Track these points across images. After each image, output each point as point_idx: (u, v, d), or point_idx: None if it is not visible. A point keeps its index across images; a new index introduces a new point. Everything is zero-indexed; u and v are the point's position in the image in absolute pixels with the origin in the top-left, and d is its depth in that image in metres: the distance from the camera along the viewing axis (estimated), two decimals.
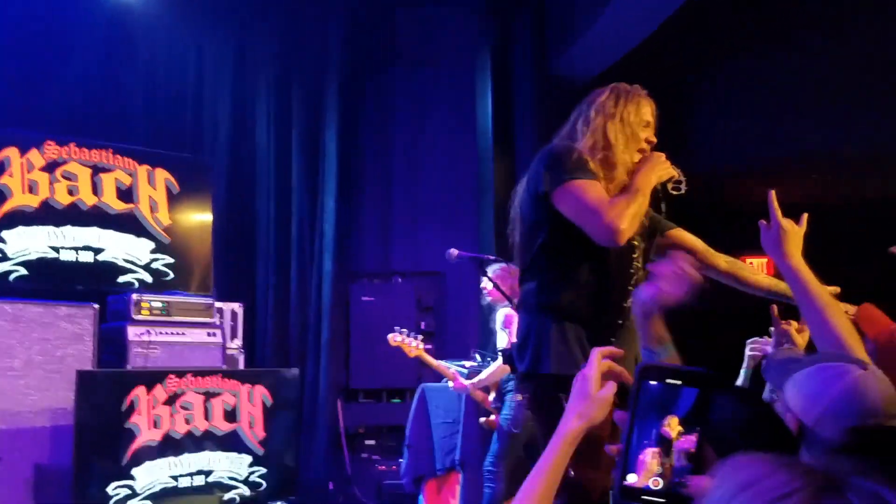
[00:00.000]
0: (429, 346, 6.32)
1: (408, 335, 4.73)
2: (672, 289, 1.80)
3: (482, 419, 4.61)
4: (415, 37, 6.82)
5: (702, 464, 0.98)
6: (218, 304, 5.17)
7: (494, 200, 6.16)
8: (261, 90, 6.37)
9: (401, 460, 5.04)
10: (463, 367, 4.84)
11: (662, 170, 2.37)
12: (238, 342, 5.28)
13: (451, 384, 4.62)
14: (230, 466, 4.53)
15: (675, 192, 2.41)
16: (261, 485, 4.62)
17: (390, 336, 4.74)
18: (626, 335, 2.33)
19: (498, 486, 4.39)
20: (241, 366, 5.23)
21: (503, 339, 4.44)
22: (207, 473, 4.44)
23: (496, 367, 4.42)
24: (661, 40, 6.07)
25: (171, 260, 5.12)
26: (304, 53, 6.47)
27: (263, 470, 4.63)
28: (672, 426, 1.00)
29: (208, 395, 4.49)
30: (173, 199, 5.20)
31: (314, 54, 6.48)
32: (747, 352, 3.26)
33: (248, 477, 4.59)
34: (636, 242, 2.43)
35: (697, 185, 2.60)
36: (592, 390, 1.34)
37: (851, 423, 1.31)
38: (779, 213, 1.93)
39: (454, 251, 4.20)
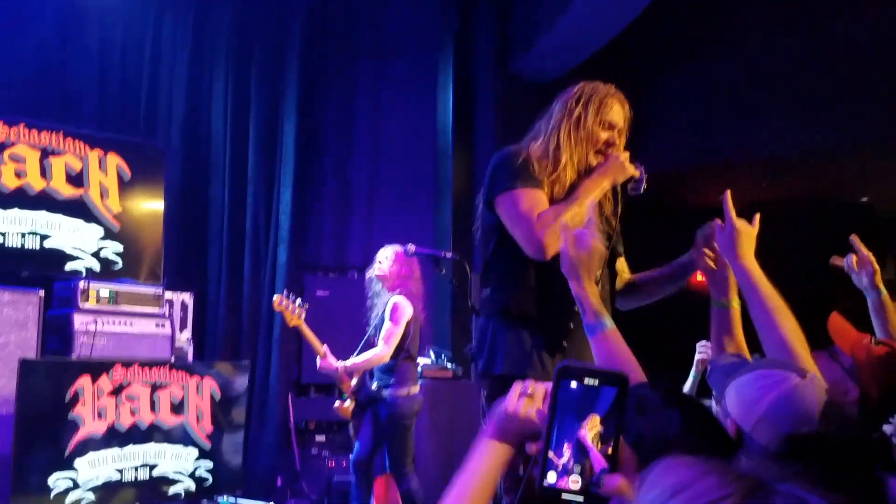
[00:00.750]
0: None
1: (293, 301, 4.54)
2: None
3: (336, 404, 4.52)
4: (377, 30, 6.77)
5: (618, 463, 0.98)
6: (168, 294, 5.07)
7: (453, 197, 6.16)
8: (218, 77, 6.26)
9: (350, 456, 4.99)
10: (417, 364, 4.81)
11: (618, 172, 2.35)
12: (187, 333, 5.19)
13: (318, 361, 4.51)
14: (176, 460, 4.44)
15: (632, 193, 2.39)
16: (207, 479, 4.54)
17: (276, 297, 4.57)
18: (578, 338, 2.34)
19: (411, 484, 4.36)
20: (190, 358, 5.13)
21: (388, 329, 4.36)
22: (152, 467, 4.35)
23: (373, 355, 4.36)
24: (624, 43, 6.12)
25: (120, 247, 5.00)
26: (262, 41, 6.38)
27: (210, 464, 4.55)
28: (591, 426, 1.00)
29: (155, 387, 4.39)
30: (124, 185, 5.07)
31: (273, 43, 6.39)
32: (697, 355, 3.30)
33: (194, 471, 4.50)
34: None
35: (657, 185, 2.62)
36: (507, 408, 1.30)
37: (787, 431, 1.33)
38: (733, 213, 1.93)
39: (412, 246, 4.19)
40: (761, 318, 1.79)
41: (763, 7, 6.63)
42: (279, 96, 6.39)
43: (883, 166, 7.68)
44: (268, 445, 5.86)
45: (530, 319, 2.31)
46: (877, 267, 2.43)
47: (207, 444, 4.55)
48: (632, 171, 2.37)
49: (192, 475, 4.49)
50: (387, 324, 4.36)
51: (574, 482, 1.00)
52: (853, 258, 2.47)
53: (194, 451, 4.51)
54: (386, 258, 4.53)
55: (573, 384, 1.03)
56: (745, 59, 7.08)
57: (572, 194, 2.30)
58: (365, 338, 4.62)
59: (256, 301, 6.16)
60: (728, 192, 1.96)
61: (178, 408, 4.46)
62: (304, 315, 4.54)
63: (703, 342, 3.25)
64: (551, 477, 1.01)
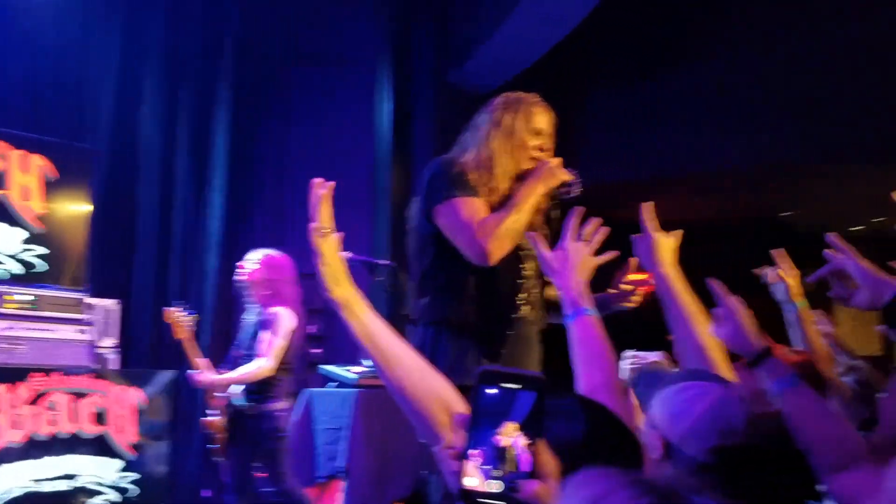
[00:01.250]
0: (317, 350, 6.21)
1: (185, 313, 4.35)
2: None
3: (206, 419, 4.33)
4: (314, 37, 6.72)
5: (537, 469, 0.99)
6: (91, 300, 4.90)
7: (391, 205, 6.14)
8: (149, 77, 6.11)
9: (225, 478, 4.89)
10: (352, 372, 4.76)
11: (551, 178, 2.39)
12: (111, 341, 5.01)
13: (194, 375, 4.28)
14: (97, 471, 4.28)
15: (566, 196, 2.42)
16: (131, 491, 4.39)
17: (167, 310, 4.37)
18: (517, 345, 2.36)
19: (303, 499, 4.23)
20: (114, 366, 4.96)
21: (269, 341, 4.15)
22: (72, 478, 4.18)
23: (256, 368, 4.13)
24: (558, 58, 6.24)
25: (43, 251, 4.81)
26: (195, 44, 6.26)
27: (135, 475, 4.40)
28: (507, 432, 1.01)
29: (76, 396, 4.24)
30: (49, 187, 4.89)
31: (207, 46, 6.28)
32: (626, 365, 3.34)
33: (117, 482, 4.35)
34: (524, 252, 2.44)
35: (587, 199, 2.66)
36: None
37: (713, 443, 1.35)
38: (651, 223, 1.98)
39: (347, 253, 4.11)
40: (679, 327, 1.83)
41: (691, 29, 6.85)
42: (212, 100, 6.27)
43: (803, 183, 8.00)
44: (194, 456, 5.70)
45: (470, 328, 2.32)
46: (793, 281, 2.51)
47: (131, 455, 4.41)
48: (563, 175, 2.40)
49: (115, 487, 4.34)
50: (268, 336, 4.14)
51: (493, 487, 1.00)
52: (774, 272, 2.54)
53: (118, 462, 4.35)
54: (251, 262, 4.28)
55: (492, 389, 1.02)
56: (673, 78, 7.30)
57: (510, 201, 2.32)
58: (233, 350, 4.43)
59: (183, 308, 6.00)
60: (647, 205, 2.00)
61: (100, 417, 4.31)
62: (192, 326, 4.33)
63: (632, 352, 3.29)
64: (470, 481, 1.00)
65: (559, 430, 1.22)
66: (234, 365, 4.33)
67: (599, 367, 1.60)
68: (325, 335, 6.24)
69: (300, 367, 4.59)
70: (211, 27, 6.31)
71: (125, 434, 4.40)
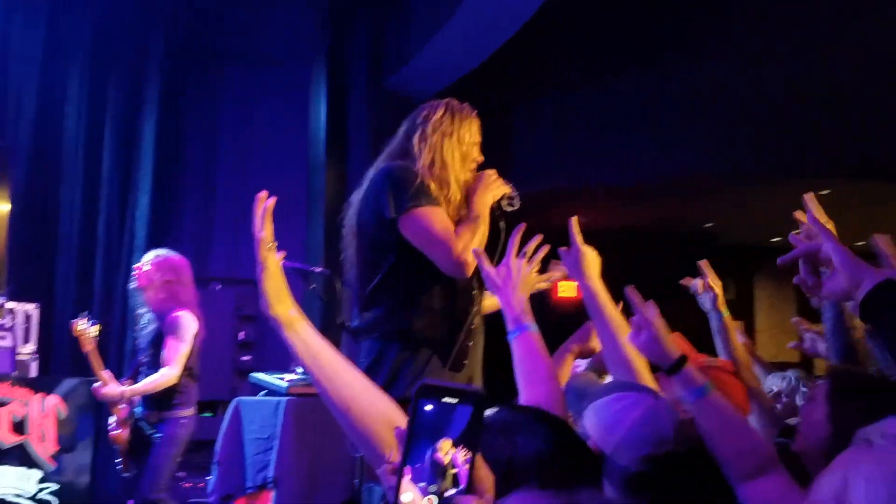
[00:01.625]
0: (247, 357, 6.11)
1: (91, 325, 4.13)
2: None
3: (112, 433, 4.17)
4: (246, 38, 6.62)
5: (474, 484, 1.00)
6: (9, 305, 4.71)
7: (325, 210, 6.09)
8: (73, 76, 5.93)
9: (208, 478, 4.79)
10: (283, 380, 4.69)
11: (496, 188, 2.40)
12: (31, 347, 4.83)
13: (100, 389, 4.08)
14: (16, 482, 4.11)
15: (509, 209, 2.44)
16: (51, 502, 4.23)
17: (74, 322, 4.15)
18: (474, 356, 2.37)
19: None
20: (34, 373, 4.78)
21: (172, 347, 3.98)
22: None
23: (161, 377, 3.96)
24: (493, 68, 6.30)
25: None
26: (121, 42, 6.12)
27: (55, 486, 4.24)
28: (445, 448, 1.01)
29: None
30: None
31: (134, 45, 6.14)
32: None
33: (36, 494, 4.18)
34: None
35: (522, 207, 2.69)
36: None
37: (645, 452, 1.39)
38: (579, 237, 2.02)
39: (280, 259, 3.99)
40: (606, 338, 1.87)
41: (621, 41, 7.01)
42: (139, 99, 6.11)
43: (725, 195, 8.27)
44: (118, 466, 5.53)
45: (434, 341, 2.30)
46: (719, 291, 2.59)
47: (52, 465, 4.25)
48: (504, 187, 2.43)
49: (34, 498, 4.17)
50: (171, 342, 3.96)
51: (429, 502, 1.00)
52: (700, 282, 2.62)
53: (37, 473, 4.19)
54: (146, 264, 4.08)
55: (430, 404, 1.03)
56: (602, 90, 7.46)
57: (470, 214, 2.33)
58: (135, 359, 4.29)
59: (108, 313, 5.83)
60: (574, 218, 2.04)
61: (19, 426, 4.15)
62: (95, 337, 4.13)
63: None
64: (406, 497, 1.00)
65: (503, 445, 1.23)
66: (135, 374, 4.17)
67: (542, 382, 1.62)
68: (255, 342, 6.14)
69: (224, 373, 4.47)
70: (138, 24, 6.16)
71: (45, 444, 4.23)
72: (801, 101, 6.92)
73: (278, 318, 1.50)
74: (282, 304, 1.51)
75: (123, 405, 4.08)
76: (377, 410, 1.41)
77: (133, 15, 6.14)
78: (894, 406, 1.30)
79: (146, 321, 4.12)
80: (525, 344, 1.68)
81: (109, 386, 4.03)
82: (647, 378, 1.78)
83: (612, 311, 1.88)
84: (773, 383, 2.80)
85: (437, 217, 2.28)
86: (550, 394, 1.59)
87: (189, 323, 3.95)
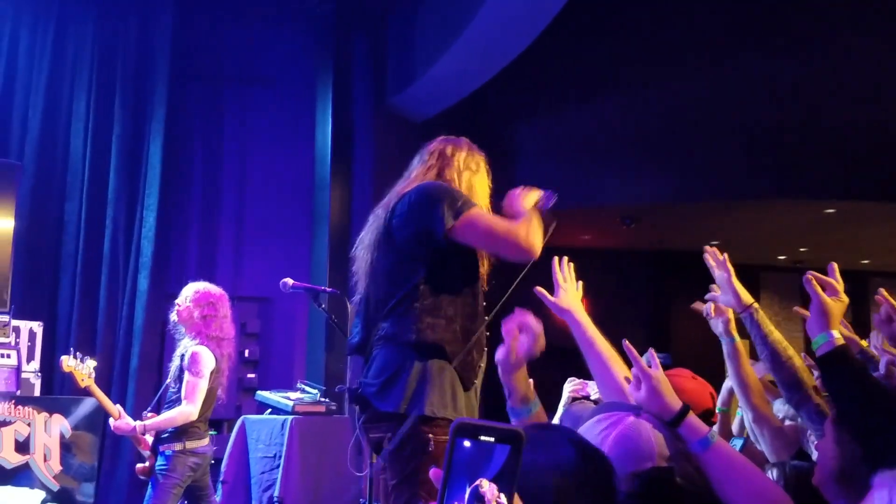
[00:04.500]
0: (252, 375, 6.08)
1: (81, 360, 4.14)
2: (521, 344, 1.85)
3: (138, 466, 4.12)
4: (251, 58, 6.66)
5: None
6: (14, 322, 4.69)
7: (329, 229, 6.08)
8: (79, 95, 5.96)
9: (213, 498, 4.76)
10: (288, 398, 4.67)
11: (528, 194, 2.47)
12: (35, 365, 4.80)
13: (112, 422, 4.09)
14: (21, 502, 4.07)
15: (546, 207, 2.50)
16: None
17: (63, 359, 4.14)
18: (481, 378, 2.39)
19: None
20: (38, 392, 4.75)
21: (190, 384, 3.95)
22: None
23: (178, 413, 3.94)
24: (490, 91, 6.35)
25: None
26: (127, 61, 6.13)
27: None
28: (483, 486, 1.00)
29: None
30: None
31: (140, 64, 6.16)
32: (567, 393, 3.37)
33: None
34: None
35: None
36: None
37: (630, 469, 1.38)
38: (559, 275, 2.08)
39: (289, 281, 3.96)
40: (596, 366, 1.89)
41: (621, 59, 7.05)
42: (145, 119, 6.13)
43: (730, 214, 8.27)
44: (121, 486, 5.50)
45: (452, 355, 2.30)
46: (731, 316, 2.56)
47: (55, 485, 4.21)
48: (535, 192, 2.50)
49: None
50: (188, 377, 3.95)
51: None
52: (711, 306, 2.59)
53: (41, 493, 4.16)
54: (185, 299, 4.08)
55: (467, 442, 1.01)
56: (599, 112, 7.50)
57: (517, 215, 2.40)
58: (161, 389, 4.26)
59: (112, 331, 5.82)
60: (557, 259, 2.11)
61: (23, 446, 4.12)
62: (93, 374, 4.13)
63: (573, 380, 3.32)
64: None
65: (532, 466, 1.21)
66: (159, 406, 4.16)
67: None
68: (260, 360, 6.12)
69: (229, 390, 4.42)
70: (144, 45, 6.19)
71: (49, 463, 4.20)
72: (805, 122, 6.94)
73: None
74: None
75: (143, 439, 4.09)
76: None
77: (139, 36, 6.18)
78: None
79: (179, 352, 4.13)
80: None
81: (122, 420, 4.05)
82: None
83: (601, 340, 1.92)
84: (780, 409, 2.78)
85: (489, 215, 2.38)
86: None
87: (207, 359, 3.94)
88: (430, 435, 2.20)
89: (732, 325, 2.55)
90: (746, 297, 2.34)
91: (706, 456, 1.48)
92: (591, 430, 1.47)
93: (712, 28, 6.39)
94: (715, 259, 2.37)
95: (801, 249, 9.18)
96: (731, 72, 6.93)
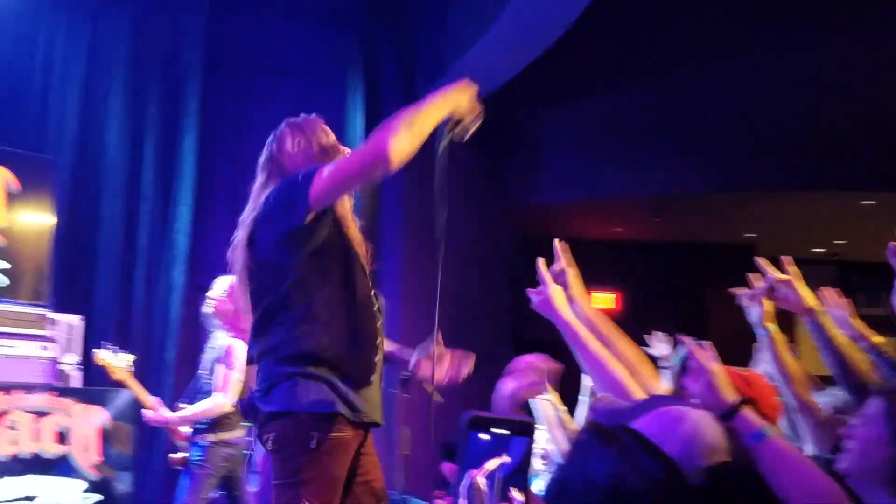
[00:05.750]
0: None
1: (116, 353, 4.24)
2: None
3: (171, 456, 4.27)
4: (281, 49, 6.69)
5: None
6: (54, 316, 4.79)
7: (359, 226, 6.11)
8: (115, 91, 6.03)
9: (249, 488, 4.82)
10: None
11: (462, 99, 2.23)
12: (74, 357, 4.90)
13: (147, 414, 4.20)
14: (60, 493, 4.17)
15: (457, 139, 2.26)
16: None
17: (96, 352, 4.27)
18: (380, 371, 2.33)
19: None
20: (77, 383, 4.85)
21: (224, 376, 4.06)
22: (34, 499, 4.06)
23: (212, 405, 4.05)
24: (525, 77, 6.31)
25: (4, 265, 4.69)
26: (161, 57, 6.20)
27: (99, 497, 4.29)
28: (489, 467, 1.00)
29: (38, 415, 4.13)
30: (12, 199, 4.78)
31: (173, 59, 6.23)
32: (588, 384, 3.35)
33: None
34: (371, 276, 2.39)
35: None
36: None
37: (702, 463, 1.38)
38: (547, 276, 2.06)
39: None
40: (591, 363, 1.89)
41: (656, 47, 6.97)
42: (178, 113, 6.20)
43: (765, 205, 8.16)
44: (156, 477, 5.59)
45: (339, 359, 2.21)
46: (769, 307, 2.53)
47: (95, 475, 4.30)
48: (474, 105, 2.26)
49: None
50: (223, 370, 4.04)
51: None
52: (748, 295, 2.56)
53: (81, 483, 4.24)
54: (219, 292, 4.16)
55: (483, 435, 1.02)
56: (631, 102, 7.43)
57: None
58: (193, 380, 4.35)
59: (148, 324, 5.91)
60: (541, 260, 2.09)
61: (63, 437, 4.21)
62: (131, 367, 4.23)
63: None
64: None
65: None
66: (193, 397, 4.23)
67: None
68: None
69: None
70: (178, 40, 6.25)
71: (89, 454, 4.29)
72: (842, 111, 6.82)
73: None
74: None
75: (182, 428, 4.17)
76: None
77: (171, 30, 6.24)
78: None
79: (212, 345, 4.20)
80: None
81: (158, 411, 4.13)
82: (640, 394, 1.80)
83: (589, 337, 1.92)
84: (825, 401, 2.74)
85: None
86: None
87: (240, 352, 4.01)
88: (314, 432, 2.12)
89: (768, 315, 2.52)
90: (810, 300, 2.30)
91: (760, 449, 1.48)
92: (653, 423, 1.46)
93: (745, 15, 6.29)
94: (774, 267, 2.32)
95: (837, 242, 9.03)
96: (765, 59, 6.83)
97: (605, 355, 1.85)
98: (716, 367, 1.59)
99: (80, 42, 5.94)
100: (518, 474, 1.03)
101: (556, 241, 2.09)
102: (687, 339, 1.69)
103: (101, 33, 6.05)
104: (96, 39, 6.02)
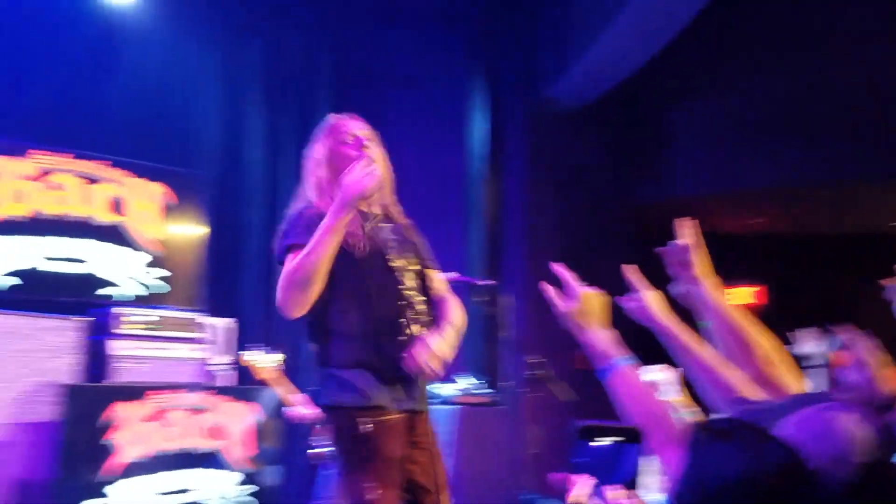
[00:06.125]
0: None
1: (265, 353, 4.40)
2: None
3: (310, 451, 4.32)
4: (408, 59, 6.86)
5: None
6: (209, 320, 5.13)
7: (485, 224, 6.19)
8: (251, 105, 6.38)
9: None
10: (453, 389, 4.80)
11: (362, 186, 2.50)
12: (229, 358, 5.22)
13: (289, 411, 4.34)
14: (216, 485, 4.46)
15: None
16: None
17: (241, 353, 4.46)
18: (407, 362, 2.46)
19: None
20: (231, 383, 5.17)
21: None
22: (190, 492, 4.37)
23: None
24: (647, 72, 6.19)
25: (162, 273, 5.08)
26: (293, 72, 6.50)
27: (253, 488, 4.57)
28: (616, 495, 1.03)
29: (194, 412, 4.43)
30: (167, 212, 5.17)
31: (304, 74, 6.52)
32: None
33: (235, 497, 4.52)
34: (402, 264, 2.58)
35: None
36: None
37: (859, 461, 1.37)
38: (639, 283, 1.97)
39: (455, 274, 4.11)
40: (701, 374, 1.81)
41: (783, 38, 6.68)
42: (310, 125, 6.43)
43: None
44: (297, 472, 5.86)
45: (366, 360, 2.44)
46: None
47: (248, 468, 4.57)
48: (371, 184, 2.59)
49: (234, 501, 4.50)
50: None
51: None
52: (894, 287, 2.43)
53: (237, 476, 4.52)
54: None
55: (600, 441, 1.05)
56: (763, 89, 7.12)
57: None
58: None
59: (290, 328, 6.18)
60: (632, 266, 2.01)
61: (218, 433, 4.49)
62: (280, 366, 4.39)
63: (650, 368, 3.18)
64: None
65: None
66: None
67: (651, 410, 1.61)
68: None
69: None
70: (309, 54, 6.53)
71: (243, 448, 4.57)
72: None
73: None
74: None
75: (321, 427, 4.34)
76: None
77: (303, 44, 6.53)
78: None
79: None
80: (621, 379, 1.67)
81: (298, 409, 4.31)
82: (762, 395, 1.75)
83: (695, 343, 1.82)
84: None
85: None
86: (663, 414, 1.58)
87: None
88: (348, 424, 2.36)
89: None
90: None
91: None
92: (812, 420, 1.46)
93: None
94: None
95: None
96: None
97: (716, 361, 1.77)
98: (873, 360, 1.55)
99: (217, 66, 6.30)
100: (630, 481, 1.06)
101: (631, 267, 2.01)
102: (847, 331, 1.65)
103: (238, 55, 6.39)
104: (234, 61, 6.36)
